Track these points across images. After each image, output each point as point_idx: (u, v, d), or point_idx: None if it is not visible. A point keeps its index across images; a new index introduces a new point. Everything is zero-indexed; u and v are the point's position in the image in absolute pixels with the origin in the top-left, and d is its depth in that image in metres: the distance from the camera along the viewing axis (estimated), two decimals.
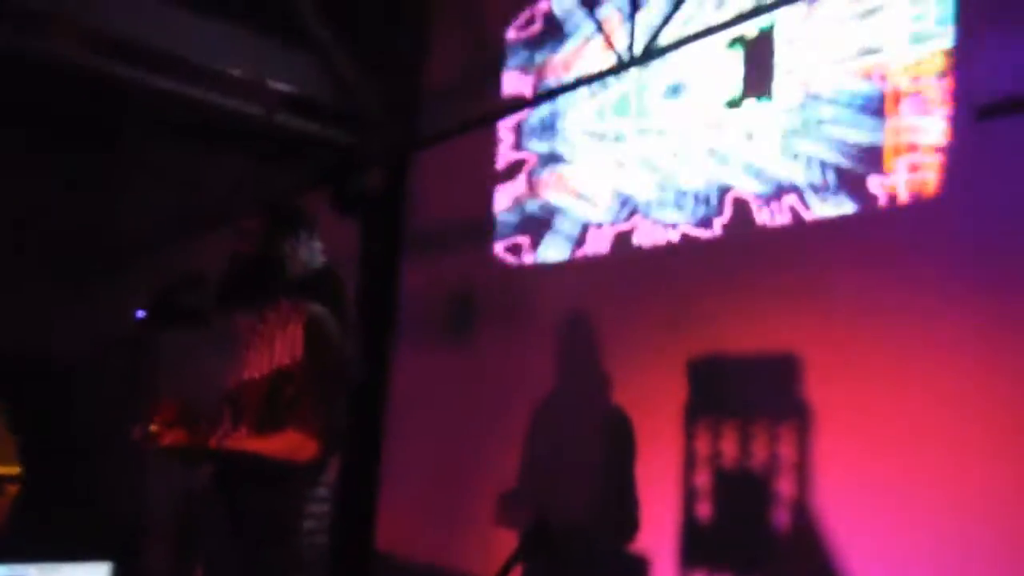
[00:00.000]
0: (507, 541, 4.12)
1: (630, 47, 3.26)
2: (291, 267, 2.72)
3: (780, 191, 3.59)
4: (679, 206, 3.93)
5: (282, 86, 4.19)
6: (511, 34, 4.83)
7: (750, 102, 3.71)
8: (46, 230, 6.87)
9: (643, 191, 4.10)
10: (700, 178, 3.87)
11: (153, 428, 2.57)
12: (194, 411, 2.65)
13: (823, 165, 3.47)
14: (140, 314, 3.39)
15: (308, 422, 2.51)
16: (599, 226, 4.27)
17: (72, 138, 6.16)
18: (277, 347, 2.61)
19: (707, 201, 3.84)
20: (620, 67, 3.33)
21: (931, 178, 3.17)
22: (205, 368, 4.41)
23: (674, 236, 3.95)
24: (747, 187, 3.69)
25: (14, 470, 4.84)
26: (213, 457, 2.56)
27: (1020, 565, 2.79)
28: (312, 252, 2.77)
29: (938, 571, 2.93)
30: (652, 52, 3.22)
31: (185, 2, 3.91)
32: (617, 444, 3.99)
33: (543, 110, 4.56)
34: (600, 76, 3.49)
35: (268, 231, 2.76)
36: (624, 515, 3.89)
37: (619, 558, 3.89)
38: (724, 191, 3.78)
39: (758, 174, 3.66)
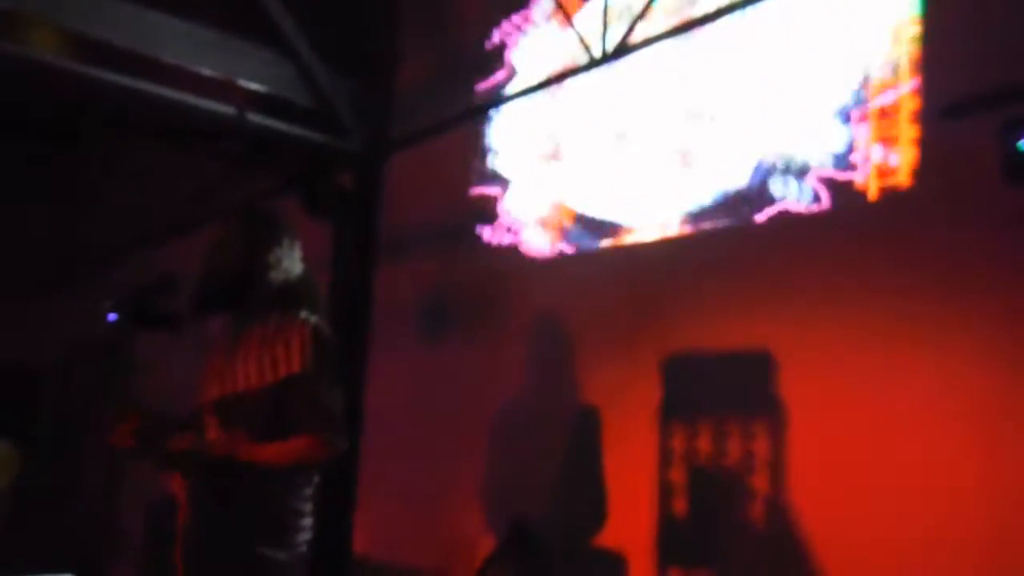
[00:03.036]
0: (484, 542, 4.11)
1: (602, 45, 3.28)
2: (275, 276, 2.71)
3: (752, 190, 3.62)
4: (655, 206, 3.95)
5: (254, 86, 4.16)
6: (485, 34, 4.84)
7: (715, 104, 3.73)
8: (15, 233, 6.79)
9: (619, 191, 4.12)
10: (675, 178, 3.90)
11: (129, 433, 2.53)
12: (170, 417, 2.62)
13: (792, 164, 3.50)
14: (112, 316, 3.35)
15: (321, 427, 2.52)
16: (574, 225, 4.28)
17: (41, 141, 6.09)
18: (279, 357, 2.59)
19: (682, 200, 3.86)
20: (592, 64, 3.34)
21: (899, 177, 3.21)
22: (178, 372, 4.37)
23: (648, 235, 3.97)
24: (719, 186, 3.72)
25: None
26: (220, 462, 2.53)
27: (991, 556, 2.82)
28: (293, 260, 2.77)
29: (910, 563, 2.96)
30: (624, 49, 3.24)
31: (155, 3, 3.88)
32: (593, 443, 4.00)
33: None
34: (572, 73, 3.51)
35: (251, 240, 2.74)
36: (599, 513, 3.89)
37: (596, 557, 3.89)
38: (697, 191, 3.80)
39: (728, 173, 3.69)
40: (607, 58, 3.31)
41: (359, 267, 4.60)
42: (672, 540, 3.67)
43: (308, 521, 2.61)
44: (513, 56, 4.66)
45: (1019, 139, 2.52)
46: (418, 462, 4.73)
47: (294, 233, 2.79)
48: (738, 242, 3.66)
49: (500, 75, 4.72)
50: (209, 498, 2.53)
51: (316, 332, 2.60)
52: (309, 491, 2.62)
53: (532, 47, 4.56)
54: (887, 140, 3.22)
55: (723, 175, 3.70)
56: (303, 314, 2.63)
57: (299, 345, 2.56)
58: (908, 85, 3.21)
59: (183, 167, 5.85)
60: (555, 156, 4.44)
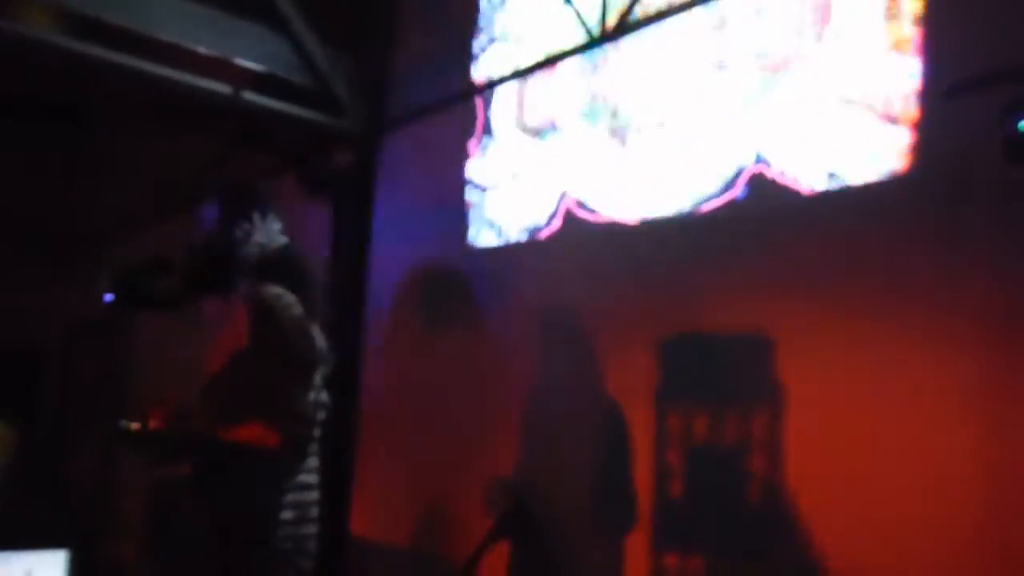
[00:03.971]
0: (481, 524, 4.11)
1: (601, 23, 3.24)
2: (247, 251, 2.65)
3: (753, 170, 3.59)
4: (655, 185, 3.93)
5: (250, 64, 4.13)
6: (482, 13, 4.80)
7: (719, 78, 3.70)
8: (14, 214, 6.78)
9: (616, 170, 4.09)
10: (676, 158, 3.87)
11: (141, 426, 2.50)
12: (187, 408, 2.59)
13: (794, 144, 3.47)
14: (108, 298, 3.33)
15: (270, 411, 2.43)
16: (574, 206, 4.25)
17: (38, 120, 6.07)
18: (233, 334, 2.55)
19: (683, 180, 3.83)
20: (590, 44, 3.30)
21: (903, 158, 3.17)
22: (178, 353, 4.36)
23: (648, 218, 3.94)
24: (721, 167, 3.69)
25: None
26: (190, 448, 2.50)
27: (990, 541, 2.81)
28: (269, 233, 2.70)
29: (909, 549, 2.95)
30: (625, 28, 3.20)
31: None
32: (590, 424, 3.99)
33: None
34: (569, 53, 3.47)
35: (223, 215, 2.70)
36: (598, 494, 3.89)
37: (593, 537, 3.89)
38: (699, 171, 3.77)
39: (730, 153, 3.66)
40: (607, 37, 3.27)
41: (356, 246, 4.58)
42: (668, 521, 3.66)
43: (289, 515, 2.54)
44: (510, 34, 4.62)
45: (1020, 120, 2.49)
46: (417, 443, 4.72)
47: (268, 206, 2.72)
48: (737, 225, 3.63)
49: (497, 53, 4.68)
50: (196, 486, 2.53)
51: (258, 306, 2.51)
52: (290, 482, 2.55)
53: (529, 25, 4.52)
54: (886, 122, 3.19)
55: (723, 158, 3.67)
56: (266, 288, 2.55)
57: (246, 321, 2.50)
58: (908, 65, 3.17)
59: (182, 147, 5.83)
60: (554, 135, 4.40)
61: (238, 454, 2.43)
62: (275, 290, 2.56)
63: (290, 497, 2.54)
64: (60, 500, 6.10)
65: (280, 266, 2.66)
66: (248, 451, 2.43)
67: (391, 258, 4.83)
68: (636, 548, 3.72)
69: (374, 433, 4.71)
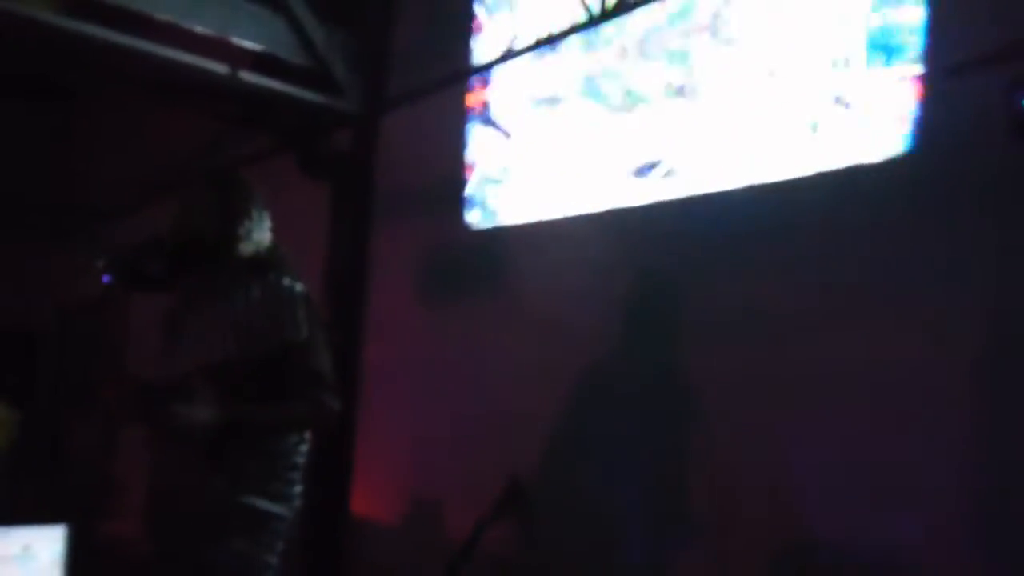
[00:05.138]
0: (480, 504, 4.12)
1: (601, 1, 3.22)
2: (244, 247, 2.70)
3: (751, 148, 3.58)
4: (652, 165, 3.92)
5: (247, 43, 4.11)
6: None
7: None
8: (8, 193, 6.76)
9: (616, 153, 4.08)
10: (671, 138, 3.86)
11: (118, 400, 2.54)
12: (157, 385, 2.63)
13: (793, 121, 3.45)
14: (106, 279, 3.34)
15: (318, 390, 2.59)
16: (571, 187, 4.24)
17: (33, 99, 6.05)
18: (272, 323, 2.60)
19: (675, 161, 3.82)
20: (590, 23, 3.28)
21: (901, 136, 3.16)
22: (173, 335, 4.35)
23: (647, 196, 3.94)
24: (716, 145, 3.68)
25: None
26: (223, 428, 2.54)
27: (993, 527, 2.82)
28: (262, 231, 2.76)
29: (913, 530, 2.96)
30: (625, 6, 3.18)
31: None
32: (590, 406, 4.00)
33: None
34: (569, 32, 3.45)
35: (223, 209, 2.73)
36: (595, 475, 3.90)
37: (590, 518, 3.90)
38: (692, 151, 3.76)
39: (730, 130, 3.65)
40: (607, 16, 3.25)
41: (356, 226, 4.58)
42: (665, 502, 3.68)
43: (300, 474, 2.69)
44: (509, 13, 4.59)
45: None
46: (416, 425, 4.73)
47: (263, 203, 2.79)
48: (738, 202, 3.62)
49: (497, 33, 4.65)
50: (203, 458, 2.55)
51: (306, 298, 2.65)
52: (306, 447, 2.69)
53: (530, 3, 4.49)
54: (889, 101, 3.17)
55: (718, 138, 3.66)
56: (287, 280, 2.65)
57: (293, 311, 2.60)
58: (913, 44, 3.15)
59: (179, 126, 5.81)
60: (554, 116, 4.39)
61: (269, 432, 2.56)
62: (300, 285, 2.66)
63: (304, 460, 2.67)
64: (60, 478, 6.13)
65: (277, 262, 2.72)
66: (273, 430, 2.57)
67: (391, 239, 4.82)
68: (634, 529, 3.73)
69: (373, 415, 4.72)
